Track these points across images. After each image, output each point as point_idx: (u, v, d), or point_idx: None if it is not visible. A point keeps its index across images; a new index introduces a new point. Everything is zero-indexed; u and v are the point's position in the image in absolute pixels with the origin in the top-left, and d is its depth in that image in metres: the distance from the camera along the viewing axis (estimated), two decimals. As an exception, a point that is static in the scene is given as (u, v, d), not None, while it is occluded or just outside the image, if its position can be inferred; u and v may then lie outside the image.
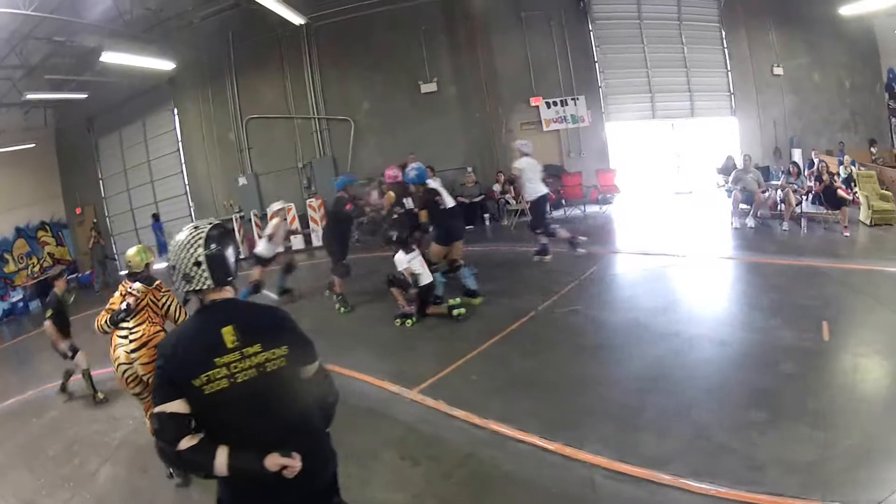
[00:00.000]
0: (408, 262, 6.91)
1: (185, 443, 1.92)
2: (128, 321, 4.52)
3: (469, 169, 13.07)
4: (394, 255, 7.06)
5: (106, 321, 4.54)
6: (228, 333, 2.03)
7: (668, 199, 13.35)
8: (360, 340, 6.76)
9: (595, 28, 13.65)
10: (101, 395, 6.59)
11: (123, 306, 4.52)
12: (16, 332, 12.75)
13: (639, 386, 4.75)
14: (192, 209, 16.22)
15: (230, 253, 2.14)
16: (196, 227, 2.12)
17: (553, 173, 12.13)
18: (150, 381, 4.24)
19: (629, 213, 12.37)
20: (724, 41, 14.16)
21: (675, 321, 6.01)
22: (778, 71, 14.26)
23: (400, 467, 4.16)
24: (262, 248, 8.52)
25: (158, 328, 4.61)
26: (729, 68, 14.26)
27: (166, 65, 13.38)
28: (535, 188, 8.49)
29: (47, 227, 18.06)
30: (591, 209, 12.48)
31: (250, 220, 14.24)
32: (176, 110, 16.00)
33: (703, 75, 14.16)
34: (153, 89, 15.57)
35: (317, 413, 2.22)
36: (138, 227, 17.19)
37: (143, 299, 4.61)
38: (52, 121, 17.87)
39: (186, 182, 16.19)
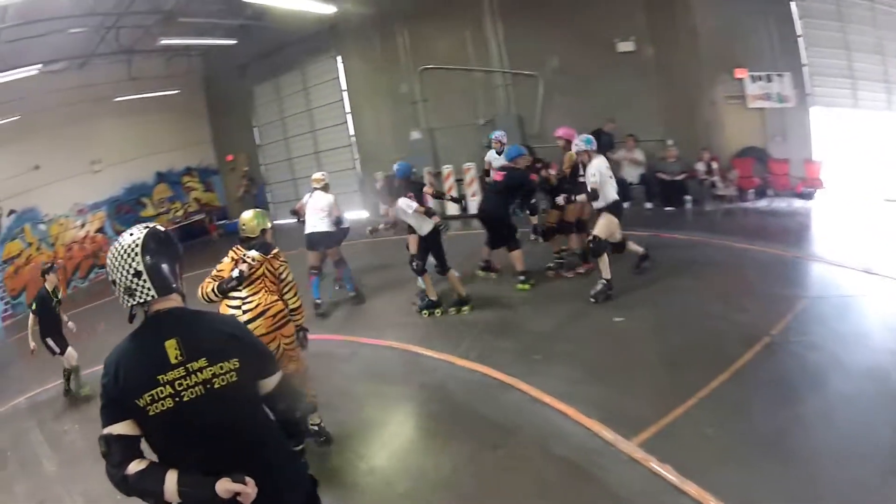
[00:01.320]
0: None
1: (133, 467, 1.81)
2: (239, 290, 4.35)
3: (669, 142, 11.62)
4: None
5: (213, 289, 4.33)
6: (172, 347, 1.89)
7: (878, 204, 10.46)
8: (551, 344, 5.88)
9: (798, -1, 11.55)
10: (85, 391, 6.78)
11: (235, 273, 4.30)
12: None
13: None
14: (356, 162, 15.97)
15: (171, 258, 1.99)
16: (130, 235, 1.96)
17: (757, 156, 11.09)
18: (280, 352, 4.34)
19: (835, 214, 10.13)
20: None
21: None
22: None
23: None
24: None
25: (276, 297, 4.46)
26: None
27: (327, 8, 12.90)
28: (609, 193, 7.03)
29: (194, 173, 18.31)
30: (795, 203, 10.71)
31: (422, 177, 13.68)
32: (340, 58, 15.55)
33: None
34: (313, 35, 15.19)
35: (278, 432, 2.10)
36: (297, 177, 17.10)
37: (258, 268, 4.43)
38: (200, 67, 17.85)
39: (351, 133, 15.87)
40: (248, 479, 1.81)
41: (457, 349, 6.10)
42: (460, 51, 13.69)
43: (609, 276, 6.65)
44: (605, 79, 11.93)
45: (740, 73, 11.44)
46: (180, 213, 17.88)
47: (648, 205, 10.97)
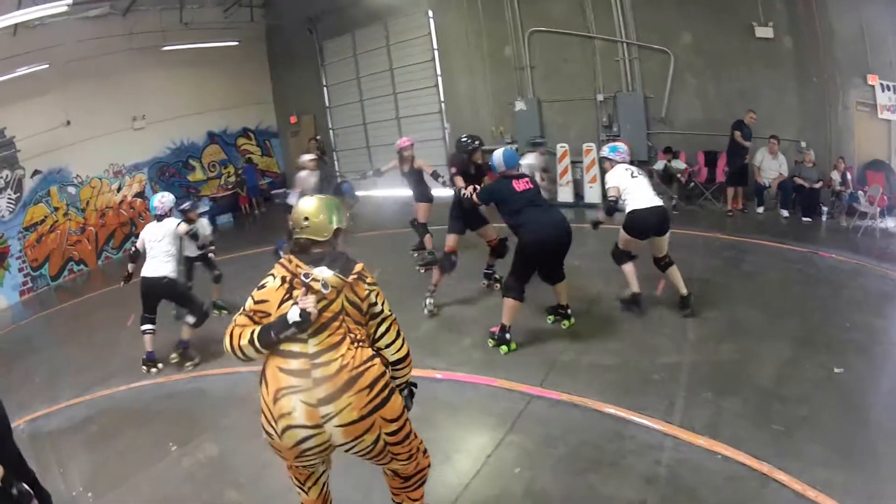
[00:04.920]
0: None
1: None
2: (303, 339, 2.49)
3: (803, 144, 10.33)
4: None
5: (255, 339, 2.47)
6: None
7: None
8: (780, 405, 4.40)
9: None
10: None
11: (294, 315, 2.42)
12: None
13: None
14: (445, 131, 13.98)
15: None
16: None
17: (886, 171, 9.79)
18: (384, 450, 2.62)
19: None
20: None
21: None
22: None
23: None
24: None
25: (368, 350, 2.59)
26: None
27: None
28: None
29: (251, 134, 16.50)
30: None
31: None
32: (432, 13, 13.51)
33: None
34: None
35: None
36: (371, 144, 15.19)
37: (334, 299, 2.54)
38: (263, 18, 15.89)
39: (442, 99, 13.92)
40: None
41: (671, 413, 4.34)
42: (578, 15, 11.77)
43: (636, 290, 6.08)
44: (740, 64, 10.56)
45: (872, 80, 10.16)
46: (232, 178, 15.71)
47: (785, 213, 9.94)
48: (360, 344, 2.58)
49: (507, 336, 5.55)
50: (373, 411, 2.51)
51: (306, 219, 2.72)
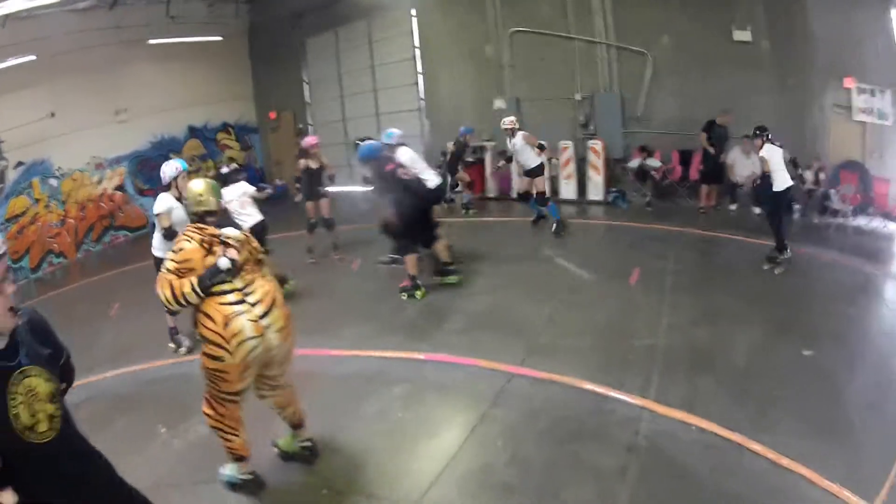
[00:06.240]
0: None
1: None
2: (231, 281, 3.31)
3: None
4: None
5: (193, 287, 3.22)
6: None
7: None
8: (752, 382, 4.68)
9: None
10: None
11: (224, 263, 3.26)
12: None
13: None
14: (424, 128, 14.08)
15: None
16: None
17: (859, 172, 10.13)
18: (289, 354, 3.61)
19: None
20: None
21: None
22: None
23: None
24: None
25: (272, 279, 3.60)
26: None
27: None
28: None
29: (230, 129, 16.37)
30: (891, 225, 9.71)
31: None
32: (414, 10, 13.62)
33: None
34: None
35: None
36: (349, 140, 15.10)
37: (243, 251, 3.44)
38: (246, 13, 15.85)
39: (422, 96, 14.03)
40: None
41: (647, 390, 4.57)
42: (559, 16, 11.98)
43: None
44: (717, 67, 10.80)
45: (849, 83, 10.53)
46: (211, 173, 15.64)
47: (757, 210, 10.01)
48: (265, 276, 3.51)
49: (418, 283, 6.88)
50: (289, 319, 3.50)
51: (201, 197, 3.58)
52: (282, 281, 6.18)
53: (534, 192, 9.33)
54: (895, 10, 9.95)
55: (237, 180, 7.32)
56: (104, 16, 12.76)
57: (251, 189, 7.19)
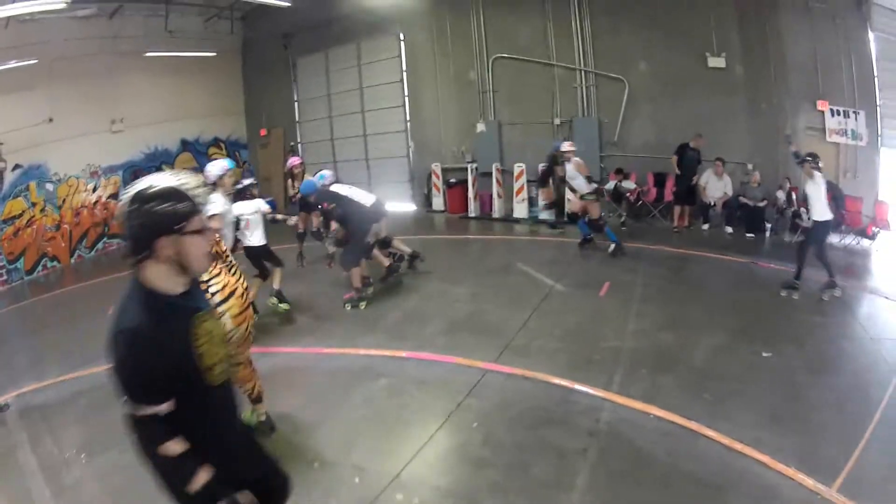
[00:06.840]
0: None
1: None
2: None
3: (750, 166, 11.09)
4: None
5: None
6: None
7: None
8: (710, 380, 5.05)
9: (877, 40, 11.02)
10: None
11: None
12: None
13: None
14: (410, 149, 14.60)
15: None
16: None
17: (833, 192, 9.61)
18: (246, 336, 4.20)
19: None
20: None
21: None
22: None
23: None
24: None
25: (238, 277, 4.26)
26: None
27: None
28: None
29: (222, 145, 16.68)
30: (863, 242, 10.21)
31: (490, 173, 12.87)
32: (402, 35, 14.19)
33: None
34: (374, 8, 13.77)
35: None
36: (338, 159, 15.67)
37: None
38: (240, 31, 16.24)
39: (408, 118, 14.52)
40: None
41: (610, 385, 5.03)
42: (540, 43, 12.62)
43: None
44: (692, 92, 11.32)
45: (822, 106, 11.12)
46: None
47: (729, 229, 10.68)
48: (232, 272, 4.19)
49: (365, 293, 7.54)
50: (244, 310, 4.17)
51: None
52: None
53: (586, 217, 9.41)
54: (871, 33, 10.66)
55: (254, 196, 7.18)
56: (104, 25, 13.11)
57: (266, 208, 7.14)
